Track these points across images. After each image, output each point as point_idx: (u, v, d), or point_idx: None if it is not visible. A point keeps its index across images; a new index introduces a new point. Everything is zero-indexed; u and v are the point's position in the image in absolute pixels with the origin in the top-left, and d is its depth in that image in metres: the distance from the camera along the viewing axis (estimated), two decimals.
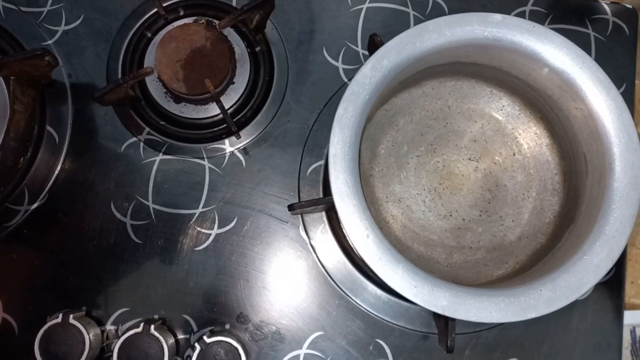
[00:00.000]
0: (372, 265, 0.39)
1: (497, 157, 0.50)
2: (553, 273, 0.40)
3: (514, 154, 0.50)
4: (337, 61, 0.58)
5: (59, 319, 0.49)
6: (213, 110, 0.56)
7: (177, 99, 0.56)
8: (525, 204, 0.49)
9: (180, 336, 0.53)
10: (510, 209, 0.49)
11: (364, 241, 0.39)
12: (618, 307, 0.55)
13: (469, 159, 0.50)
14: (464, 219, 0.49)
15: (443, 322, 0.44)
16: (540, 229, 0.49)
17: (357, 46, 0.58)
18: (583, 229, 0.42)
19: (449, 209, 0.49)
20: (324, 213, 0.55)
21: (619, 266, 0.55)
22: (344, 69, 0.58)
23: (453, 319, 0.42)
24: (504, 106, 0.50)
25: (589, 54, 0.43)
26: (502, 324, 0.54)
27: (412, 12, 0.59)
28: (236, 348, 0.50)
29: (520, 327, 0.54)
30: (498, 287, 0.41)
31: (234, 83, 0.57)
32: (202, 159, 0.56)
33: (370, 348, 0.54)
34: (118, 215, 0.55)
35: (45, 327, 0.49)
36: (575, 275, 0.39)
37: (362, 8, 0.59)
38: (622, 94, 0.42)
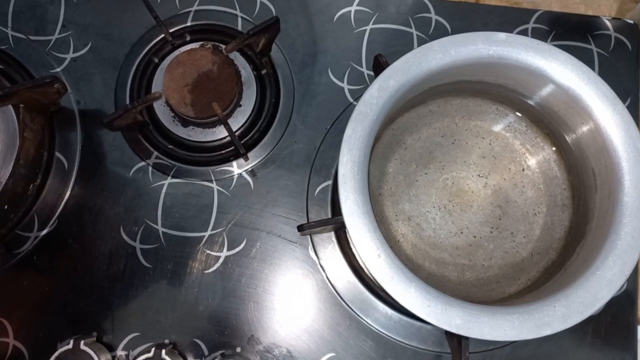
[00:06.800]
0: (385, 285, 0.39)
1: (506, 173, 0.50)
2: (566, 289, 0.39)
3: (523, 170, 0.50)
4: (343, 82, 0.59)
5: (70, 345, 0.49)
6: (220, 133, 0.57)
7: (185, 122, 0.57)
8: (536, 219, 0.49)
9: None
10: (522, 225, 0.49)
11: (376, 261, 0.39)
12: (631, 322, 0.54)
13: (478, 175, 0.50)
14: (474, 236, 0.49)
15: (456, 341, 0.43)
16: (551, 245, 0.48)
17: (361, 67, 0.59)
18: (594, 244, 0.42)
19: (460, 226, 0.49)
20: (333, 233, 0.55)
21: (631, 281, 0.55)
22: (349, 90, 0.58)
23: (467, 338, 0.41)
24: (510, 123, 0.51)
25: (593, 69, 0.43)
26: (515, 341, 0.53)
27: (415, 32, 0.60)
28: None
29: (534, 344, 0.53)
30: (511, 305, 0.40)
31: (241, 106, 0.57)
32: (211, 181, 0.56)
33: None
34: (127, 239, 0.55)
35: (57, 353, 0.49)
36: (589, 290, 0.39)
37: (365, 29, 0.60)
38: (628, 108, 0.43)
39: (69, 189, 0.56)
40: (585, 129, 0.44)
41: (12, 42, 0.59)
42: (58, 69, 0.59)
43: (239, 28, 0.60)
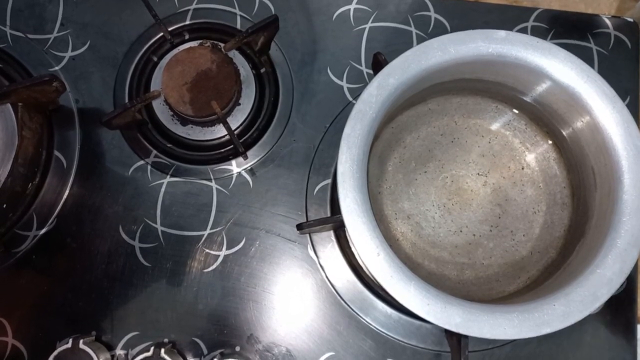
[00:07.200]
0: (384, 283, 0.38)
1: (505, 172, 0.50)
2: (566, 288, 0.39)
3: (522, 168, 0.50)
4: (342, 80, 0.59)
5: (69, 345, 0.49)
6: (219, 131, 0.57)
7: (184, 121, 0.57)
8: (535, 218, 0.49)
9: (191, 359, 0.53)
10: (521, 224, 0.49)
11: (375, 259, 0.39)
12: (630, 321, 0.54)
13: (478, 173, 0.50)
14: (474, 235, 0.48)
15: (456, 340, 0.43)
16: (551, 243, 0.48)
17: (361, 65, 0.59)
18: (594, 243, 0.42)
19: (459, 225, 0.49)
20: (332, 232, 0.55)
21: (630, 280, 0.55)
22: (348, 88, 0.58)
23: (466, 337, 0.41)
24: (510, 121, 0.51)
25: (592, 68, 0.43)
26: (515, 340, 0.53)
27: (414, 31, 0.60)
28: None
29: (533, 343, 0.53)
30: (511, 303, 0.40)
31: (240, 104, 0.57)
32: (210, 180, 0.56)
33: None
34: (126, 238, 0.55)
35: (55, 352, 0.49)
36: (589, 289, 0.39)
37: (365, 28, 0.60)
38: (627, 106, 0.42)
39: (68, 188, 0.56)
40: (584, 127, 0.44)
41: (10, 41, 0.59)
42: (57, 68, 0.59)
43: (238, 26, 0.60)
